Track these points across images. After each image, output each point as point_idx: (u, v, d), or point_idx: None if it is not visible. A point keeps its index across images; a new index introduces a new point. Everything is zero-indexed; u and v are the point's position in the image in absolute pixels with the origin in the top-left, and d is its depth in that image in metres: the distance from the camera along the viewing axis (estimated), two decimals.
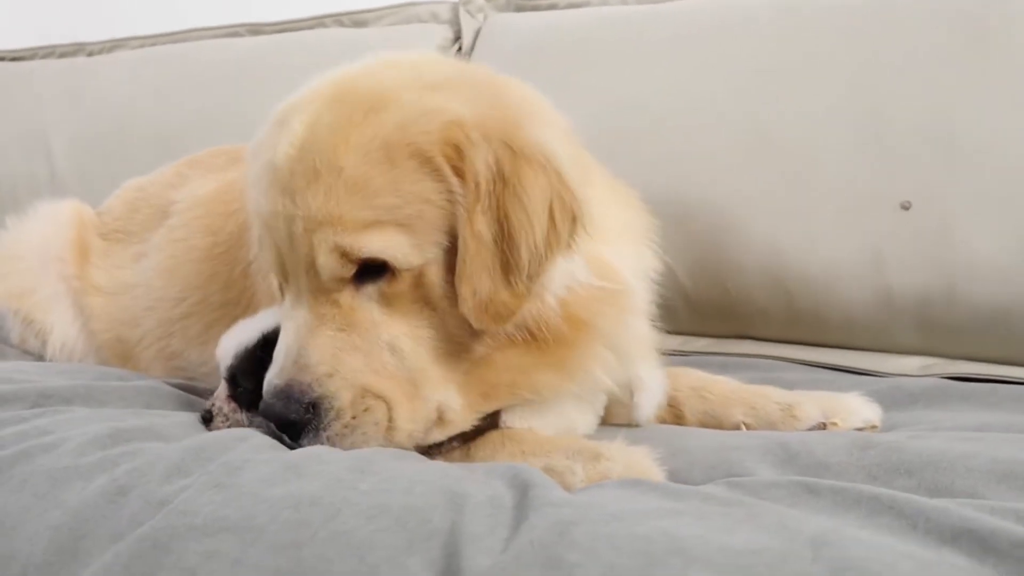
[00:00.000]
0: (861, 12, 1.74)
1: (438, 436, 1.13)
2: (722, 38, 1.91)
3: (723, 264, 1.71)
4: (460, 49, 2.42)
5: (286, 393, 1.07)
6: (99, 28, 2.99)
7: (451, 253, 1.10)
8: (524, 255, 1.08)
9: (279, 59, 2.59)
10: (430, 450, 1.14)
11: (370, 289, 1.11)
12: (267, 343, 1.19)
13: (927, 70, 1.62)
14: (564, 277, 1.14)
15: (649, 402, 1.32)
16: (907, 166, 1.59)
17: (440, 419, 1.13)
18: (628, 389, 1.30)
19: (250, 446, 1.04)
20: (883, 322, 1.59)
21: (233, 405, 1.22)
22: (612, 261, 1.21)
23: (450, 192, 1.08)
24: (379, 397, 1.08)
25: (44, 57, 3.00)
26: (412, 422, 1.10)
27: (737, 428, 1.36)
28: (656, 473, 1.08)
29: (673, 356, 1.43)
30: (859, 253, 1.59)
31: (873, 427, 1.32)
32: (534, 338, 1.14)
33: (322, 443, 1.05)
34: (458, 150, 1.08)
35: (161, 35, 2.82)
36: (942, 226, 1.53)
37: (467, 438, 1.18)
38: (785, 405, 1.35)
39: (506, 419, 1.21)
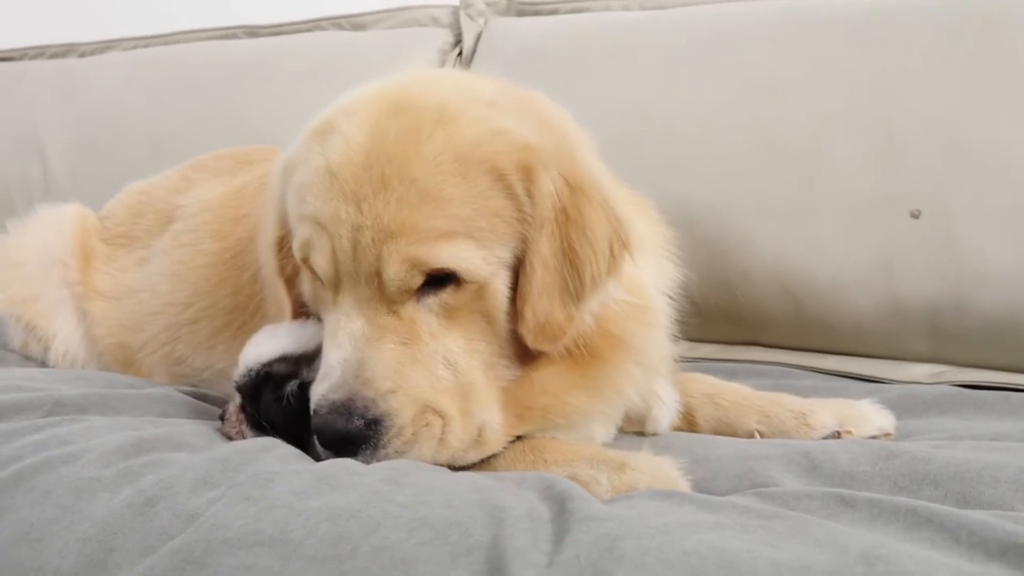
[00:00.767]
0: (868, 20, 1.75)
1: (474, 456, 1.12)
2: (727, 45, 1.91)
3: (731, 270, 1.71)
4: (460, 54, 2.42)
5: (347, 408, 1.05)
6: (92, 29, 2.96)
7: (511, 270, 1.12)
8: (587, 283, 1.12)
9: (276, 62, 2.58)
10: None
11: (432, 300, 1.10)
12: (283, 360, 1.18)
13: (935, 78, 1.64)
14: (603, 295, 1.16)
15: (667, 416, 1.33)
16: (916, 173, 1.60)
17: (479, 438, 1.12)
18: (647, 402, 1.30)
19: (276, 457, 1.03)
20: (892, 329, 1.60)
21: (242, 416, 1.21)
22: (637, 275, 1.22)
23: (520, 211, 1.10)
24: (437, 413, 1.08)
25: (34, 58, 2.97)
26: (461, 439, 1.10)
27: (751, 436, 1.36)
28: (682, 484, 1.08)
29: (680, 362, 1.43)
30: (868, 260, 1.60)
31: (887, 435, 1.32)
32: (571, 355, 1.15)
33: (379, 460, 1.04)
34: (530, 173, 1.10)
35: (155, 36, 2.80)
36: (951, 233, 1.55)
37: None
38: (799, 413, 1.35)
39: None
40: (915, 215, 1.56)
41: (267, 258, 1.26)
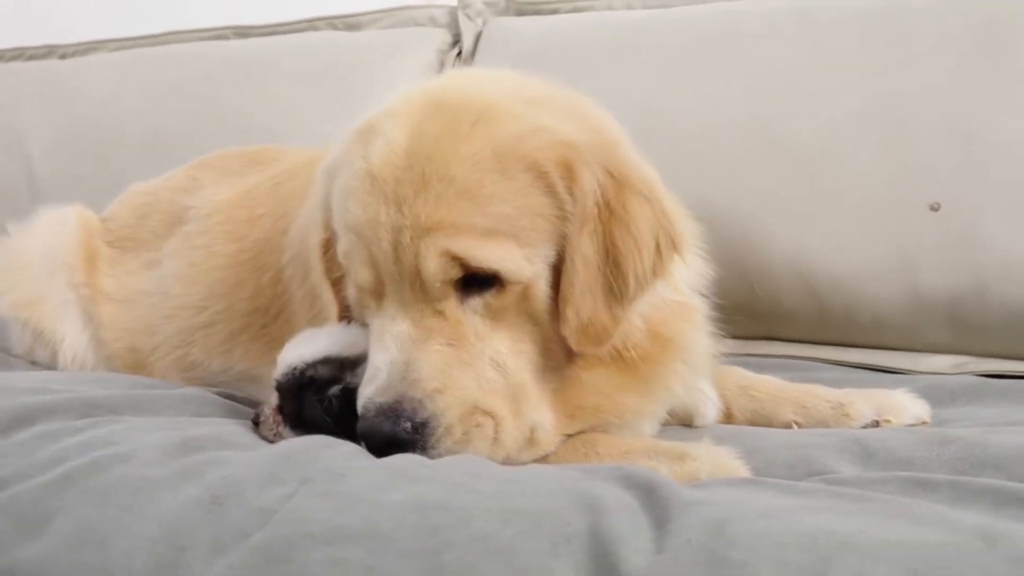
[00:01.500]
0: (874, 18, 1.78)
1: (527, 457, 1.11)
2: (732, 44, 1.93)
3: (749, 266, 1.72)
4: (460, 53, 2.41)
5: (395, 411, 1.03)
6: (72, 31, 2.91)
7: (555, 270, 1.10)
8: (631, 282, 1.09)
9: (270, 63, 2.55)
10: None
11: (475, 301, 1.09)
12: (326, 363, 1.17)
13: (947, 73, 1.66)
14: (652, 297, 1.15)
15: (712, 410, 1.33)
16: (931, 168, 1.62)
17: (531, 438, 1.11)
18: (692, 398, 1.30)
19: (341, 453, 1.01)
20: (913, 322, 1.61)
21: (279, 418, 1.20)
22: (678, 274, 1.22)
23: (561, 209, 1.09)
24: (488, 413, 1.06)
25: (11, 59, 2.91)
26: (514, 439, 1.08)
27: (788, 427, 1.37)
28: (743, 472, 1.08)
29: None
30: (887, 254, 1.62)
31: (924, 423, 1.33)
32: (621, 357, 1.14)
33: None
34: (570, 170, 1.08)
35: (142, 38, 2.75)
36: (969, 226, 1.57)
37: None
38: (836, 403, 1.36)
39: None
40: (935, 208, 1.58)
41: (313, 261, 1.24)
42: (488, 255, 1.06)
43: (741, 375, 1.44)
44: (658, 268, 1.12)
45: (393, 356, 1.07)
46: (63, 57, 2.84)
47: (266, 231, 1.61)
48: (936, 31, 1.70)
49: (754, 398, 1.41)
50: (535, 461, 1.14)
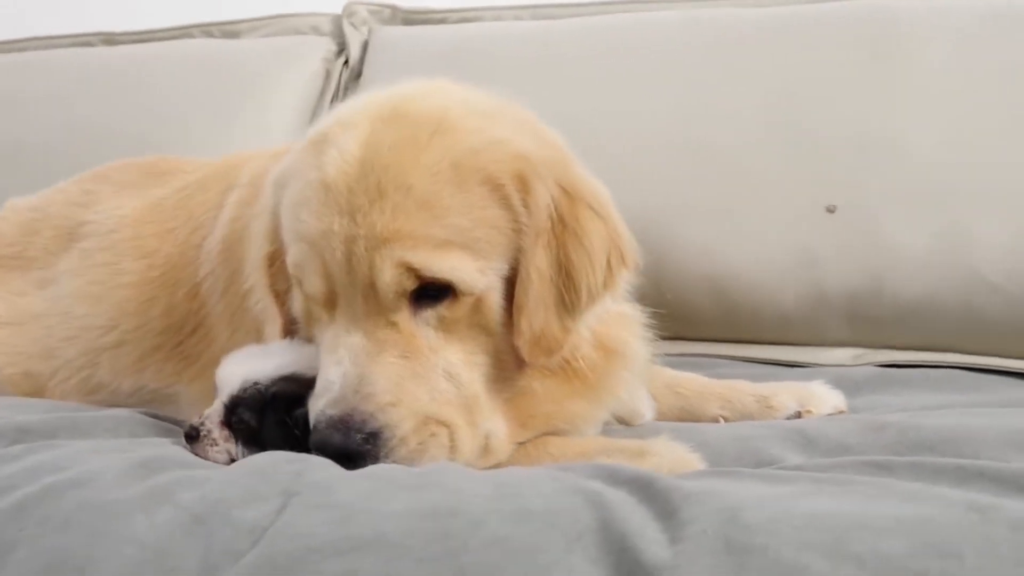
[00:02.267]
0: (774, 28, 1.88)
1: (482, 465, 1.11)
2: (629, 55, 1.99)
3: (661, 271, 1.77)
4: (347, 62, 2.39)
5: (345, 423, 1.03)
6: None
7: (508, 282, 1.12)
8: (583, 295, 1.12)
9: (142, 71, 2.47)
10: None
11: (428, 313, 1.09)
12: (289, 380, 1.15)
13: (841, 81, 1.78)
14: (600, 309, 1.19)
15: (649, 412, 1.39)
16: (830, 170, 1.73)
17: (485, 447, 1.12)
18: (632, 399, 1.35)
19: (315, 466, 0.99)
20: (815, 318, 1.71)
21: (226, 433, 1.17)
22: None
23: (516, 222, 1.10)
24: (442, 423, 1.07)
25: None
26: (470, 448, 1.09)
27: (715, 421, 1.43)
28: (700, 466, 1.12)
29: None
30: (791, 253, 1.71)
31: (841, 412, 1.42)
32: (569, 367, 1.18)
33: None
34: (525, 183, 1.10)
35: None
36: (868, 225, 1.67)
37: None
38: (760, 397, 1.43)
39: None
40: (831, 210, 1.69)
41: (258, 274, 1.22)
42: (443, 266, 1.07)
43: (668, 374, 1.49)
44: (609, 282, 1.16)
45: (346, 369, 1.06)
46: None
47: (178, 245, 1.56)
48: (830, 41, 1.82)
49: (681, 395, 1.46)
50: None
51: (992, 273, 1.62)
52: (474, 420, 1.10)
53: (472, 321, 1.11)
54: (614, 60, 2.02)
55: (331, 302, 1.11)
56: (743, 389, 1.45)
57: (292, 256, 1.13)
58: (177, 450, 1.13)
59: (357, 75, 2.36)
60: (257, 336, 1.37)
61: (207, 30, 2.53)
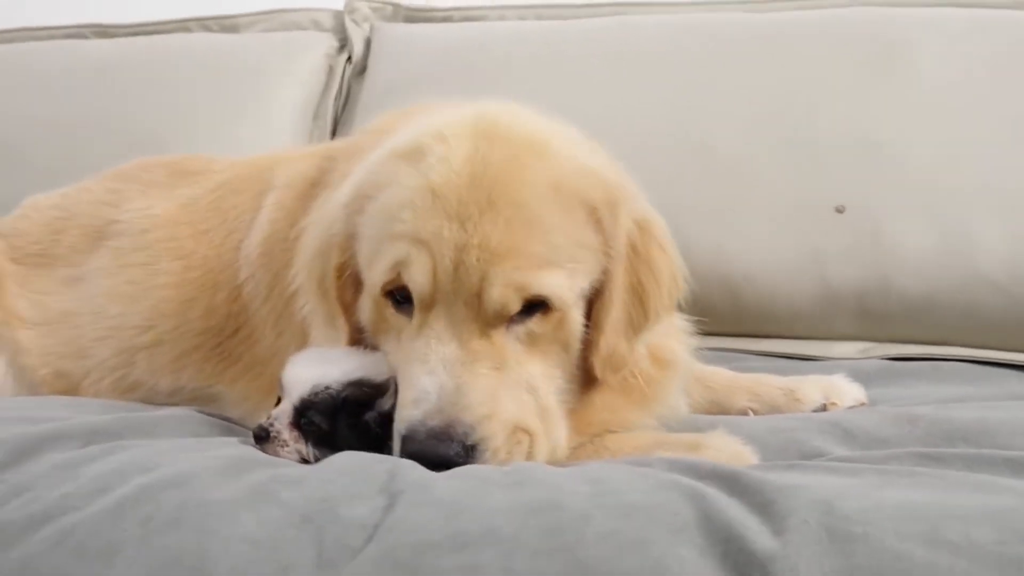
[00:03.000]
0: (773, 33, 1.96)
1: None
2: (637, 55, 2.06)
3: None
4: (350, 59, 2.41)
5: (447, 435, 1.07)
6: None
7: (587, 301, 1.19)
8: (650, 318, 1.22)
9: (138, 65, 2.46)
10: None
11: (519, 328, 1.14)
12: (358, 385, 1.19)
13: (844, 86, 1.86)
14: (659, 330, 1.28)
15: (684, 407, 1.43)
16: (835, 174, 1.81)
17: (551, 456, 1.17)
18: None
19: (403, 466, 1.03)
20: (823, 313, 1.79)
21: (296, 434, 1.20)
22: None
23: (605, 245, 1.18)
24: (525, 431, 1.13)
25: None
26: (543, 454, 1.14)
27: (743, 414, 1.49)
28: (753, 459, 1.19)
29: None
30: (800, 253, 1.79)
31: (862, 404, 1.49)
32: (628, 380, 1.25)
33: None
34: (614, 210, 1.18)
35: None
36: (874, 226, 1.76)
37: None
38: (787, 390, 1.50)
39: None
40: (840, 210, 1.77)
41: (327, 284, 1.24)
42: (545, 282, 1.12)
43: (696, 368, 1.55)
44: (669, 306, 1.27)
45: (443, 380, 1.10)
46: None
47: (215, 247, 1.59)
48: (830, 47, 1.90)
49: (710, 388, 1.53)
50: None
51: (992, 272, 1.71)
52: (548, 429, 1.16)
53: (554, 337, 1.17)
54: (618, 62, 2.08)
55: (430, 304, 1.14)
56: (769, 382, 1.52)
57: (389, 255, 1.14)
58: (252, 450, 1.16)
59: (360, 71, 2.39)
60: (303, 338, 1.42)
61: (205, 24, 2.53)
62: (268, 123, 2.31)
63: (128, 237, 1.66)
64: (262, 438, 1.20)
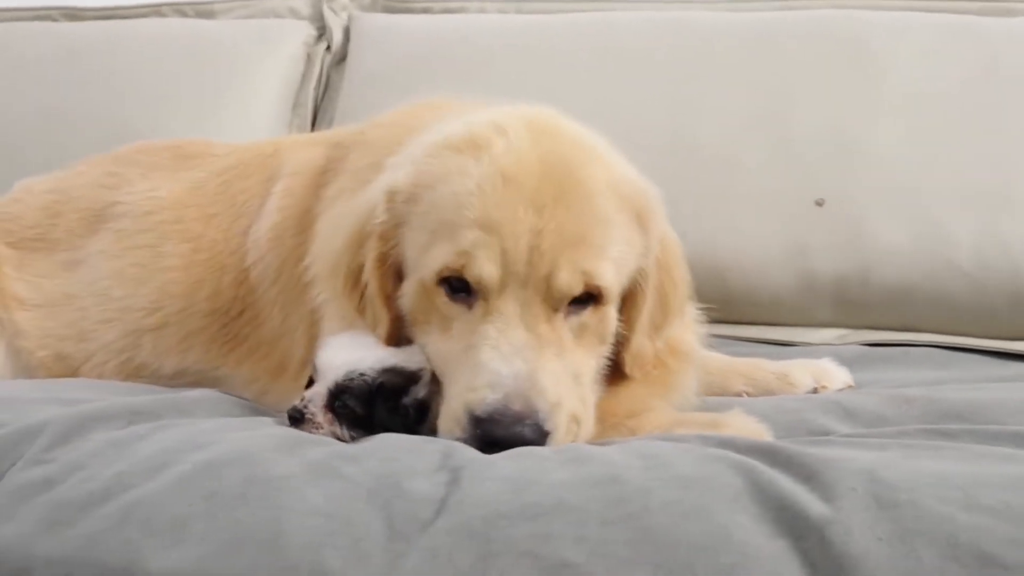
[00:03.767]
0: (754, 32, 2.04)
1: None
2: (620, 51, 2.12)
3: None
4: (329, 48, 2.43)
5: (531, 419, 1.11)
6: None
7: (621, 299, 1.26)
8: (671, 319, 1.33)
9: (110, 49, 2.44)
10: None
11: (573, 318, 1.20)
12: (393, 372, 1.22)
13: (822, 85, 1.96)
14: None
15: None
16: (816, 168, 1.90)
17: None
18: None
19: (455, 446, 1.08)
20: (805, 302, 1.88)
21: (330, 417, 1.23)
22: None
23: (645, 248, 1.26)
24: (576, 419, 1.18)
25: None
26: (584, 440, 1.19)
27: (738, 396, 1.57)
28: (768, 436, 1.26)
29: None
30: (784, 245, 1.88)
31: (849, 387, 1.58)
32: (649, 373, 1.33)
33: None
34: (655, 217, 1.27)
35: None
36: (853, 218, 1.86)
37: None
38: (780, 374, 1.58)
39: None
40: (820, 204, 1.86)
41: (364, 275, 1.27)
42: (605, 276, 1.19)
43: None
44: (683, 309, 1.39)
45: (518, 366, 1.13)
46: None
47: (223, 231, 1.61)
48: (808, 47, 1.99)
49: (708, 372, 1.59)
50: None
51: (963, 262, 1.82)
52: (587, 418, 1.22)
53: (596, 329, 1.23)
54: (604, 57, 2.13)
55: (499, 289, 1.16)
56: (763, 367, 1.60)
57: (456, 243, 1.16)
58: (291, 430, 1.19)
59: (339, 60, 2.40)
60: (311, 323, 1.45)
61: (179, 8, 2.52)
62: (246, 111, 2.32)
63: (131, 219, 1.66)
64: (297, 419, 1.23)
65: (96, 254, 1.67)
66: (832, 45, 1.98)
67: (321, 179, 1.55)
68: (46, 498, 1.03)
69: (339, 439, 1.21)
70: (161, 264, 1.61)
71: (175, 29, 2.48)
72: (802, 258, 1.88)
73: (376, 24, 2.38)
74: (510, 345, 1.14)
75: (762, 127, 1.94)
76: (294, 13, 2.48)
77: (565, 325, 1.19)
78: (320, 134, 1.81)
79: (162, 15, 2.52)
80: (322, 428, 1.23)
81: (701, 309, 1.51)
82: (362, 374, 1.21)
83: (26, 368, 1.67)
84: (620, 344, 1.28)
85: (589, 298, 1.20)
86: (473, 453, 1.05)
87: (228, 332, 1.58)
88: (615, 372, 1.30)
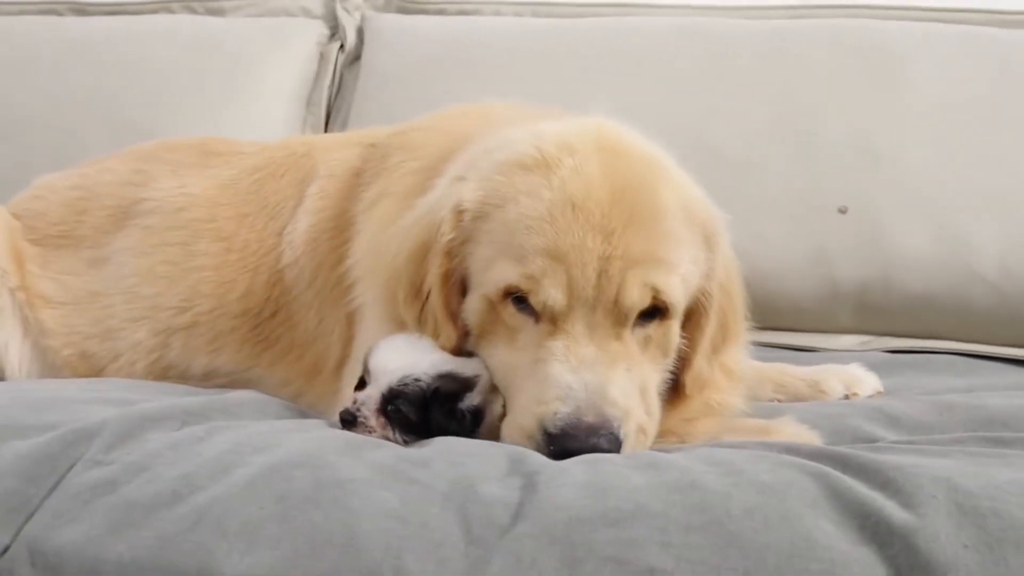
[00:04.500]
0: (774, 39, 2.06)
1: None
2: (639, 56, 2.13)
3: None
4: (343, 47, 2.41)
5: (606, 429, 1.11)
6: None
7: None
8: (729, 342, 1.33)
9: (117, 45, 2.42)
10: None
11: (639, 332, 1.20)
12: (448, 378, 1.21)
13: (843, 92, 1.98)
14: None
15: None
16: (839, 176, 1.92)
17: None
18: None
19: (524, 452, 1.09)
20: (827, 308, 1.90)
21: (383, 421, 1.22)
22: None
23: (710, 269, 1.26)
24: (642, 430, 1.18)
25: None
26: (647, 448, 1.20)
27: (769, 403, 1.58)
28: (819, 442, 1.26)
29: None
30: (806, 251, 1.90)
31: (879, 393, 1.59)
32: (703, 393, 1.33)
33: None
34: (719, 238, 1.28)
35: None
36: (875, 226, 1.88)
37: None
38: (811, 381, 1.59)
39: None
40: (842, 211, 1.88)
41: (429, 289, 1.26)
42: (670, 287, 1.19)
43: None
44: (742, 333, 1.39)
45: (588, 379, 1.14)
46: None
47: (256, 231, 1.60)
48: (830, 55, 2.01)
49: None
50: None
51: (985, 271, 1.85)
52: (652, 429, 1.22)
53: (660, 342, 1.23)
54: (619, 62, 2.14)
55: (566, 314, 1.17)
56: (793, 373, 1.61)
57: (524, 269, 1.17)
58: (349, 433, 1.18)
59: (353, 60, 2.39)
60: (347, 326, 1.44)
61: (189, 6, 2.50)
62: (257, 110, 2.30)
63: (160, 216, 1.64)
64: (349, 422, 1.22)
65: (123, 251, 1.65)
66: (854, 53, 2.00)
67: (357, 180, 1.54)
68: (111, 500, 1.01)
69: (393, 442, 1.21)
70: (193, 263, 1.59)
71: (184, 25, 2.46)
72: (824, 265, 1.89)
73: (390, 25, 2.37)
74: (579, 360, 1.15)
75: (784, 134, 1.96)
76: (306, 12, 2.46)
77: (632, 339, 1.20)
78: (353, 134, 1.79)
79: (171, 11, 2.49)
80: (375, 432, 1.22)
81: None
82: (417, 379, 1.20)
83: (52, 367, 1.65)
84: (680, 365, 1.28)
85: (655, 311, 1.21)
86: (544, 459, 1.06)
87: (260, 333, 1.56)
88: (673, 391, 1.30)
